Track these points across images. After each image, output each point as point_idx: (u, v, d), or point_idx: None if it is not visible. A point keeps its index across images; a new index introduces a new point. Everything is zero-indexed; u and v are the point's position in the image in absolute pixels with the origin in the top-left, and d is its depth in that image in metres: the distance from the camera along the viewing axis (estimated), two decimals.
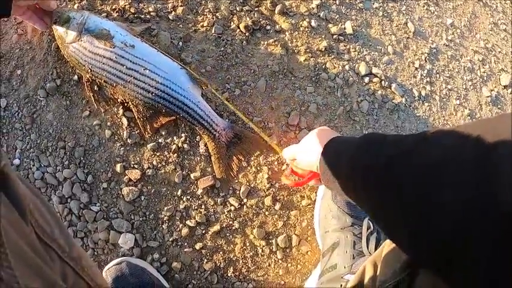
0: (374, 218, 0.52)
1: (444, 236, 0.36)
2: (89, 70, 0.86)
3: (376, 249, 0.79)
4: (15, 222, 0.37)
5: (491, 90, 1.18)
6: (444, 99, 1.10)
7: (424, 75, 1.10)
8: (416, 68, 1.09)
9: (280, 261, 0.88)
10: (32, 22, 0.88)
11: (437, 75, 1.12)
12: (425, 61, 1.12)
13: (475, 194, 0.33)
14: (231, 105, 0.89)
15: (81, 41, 0.86)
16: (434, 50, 1.15)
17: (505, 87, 1.22)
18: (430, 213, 0.37)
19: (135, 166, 0.88)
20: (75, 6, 0.95)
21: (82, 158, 0.89)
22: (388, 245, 0.69)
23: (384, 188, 0.45)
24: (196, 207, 0.88)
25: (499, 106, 1.18)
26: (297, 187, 0.89)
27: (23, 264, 0.34)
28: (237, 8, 0.99)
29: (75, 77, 0.91)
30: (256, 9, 1.01)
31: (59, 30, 0.88)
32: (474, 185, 0.34)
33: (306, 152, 0.71)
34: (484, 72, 1.21)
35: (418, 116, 1.05)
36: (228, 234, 0.88)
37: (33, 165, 0.89)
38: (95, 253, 0.87)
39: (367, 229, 0.82)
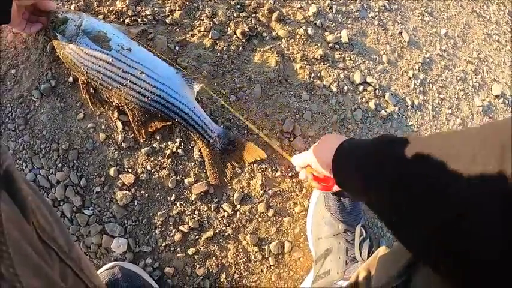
0: (380, 214, 0.53)
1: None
2: (85, 72, 0.86)
3: (368, 255, 0.80)
4: (16, 221, 0.37)
5: (483, 100, 1.20)
6: (437, 109, 1.12)
7: (418, 84, 1.11)
8: (409, 78, 1.11)
9: (272, 267, 0.89)
10: (27, 30, 0.89)
11: (431, 84, 1.14)
12: (419, 71, 1.13)
13: (479, 183, 0.37)
14: (237, 112, 0.89)
15: (77, 42, 0.86)
16: (428, 60, 1.16)
17: (496, 97, 1.24)
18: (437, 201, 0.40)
19: (129, 170, 0.88)
20: (72, 7, 0.94)
21: (75, 161, 0.88)
22: (382, 252, 0.70)
23: (394, 182, 0.47)
24: (189, 213, 0.88)
25: (490, 116, 1.20)
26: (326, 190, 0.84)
27: (24, 263, 0.34)
28: (234, 14, 1.00)
29: (70, 79, 0.91)
30: (253, 15, 1.01)
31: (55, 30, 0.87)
32: (479, 175, 0.37)
33: (322, 155, 0.69)
34: (476, 82, 1.23)
35: (410, 125, 1.06)
36: (221, 240, 0.88)
37: (25, 167, 0.88)
38: (88, 257, 0.86)
39: (360, 236, 0.83)
